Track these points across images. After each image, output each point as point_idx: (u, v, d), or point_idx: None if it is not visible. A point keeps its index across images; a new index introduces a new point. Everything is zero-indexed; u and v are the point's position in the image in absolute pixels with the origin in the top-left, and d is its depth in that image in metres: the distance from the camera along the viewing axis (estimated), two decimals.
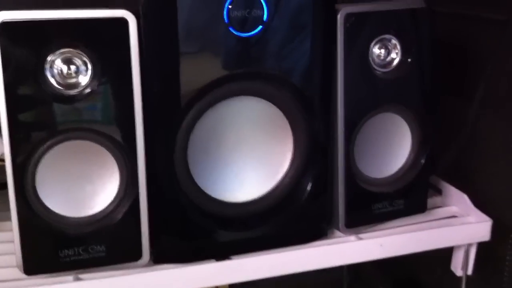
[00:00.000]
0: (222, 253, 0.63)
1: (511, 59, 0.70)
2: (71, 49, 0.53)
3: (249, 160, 0.63)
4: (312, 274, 0.67)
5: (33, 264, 0.57)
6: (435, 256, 0.73)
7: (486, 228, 0.70)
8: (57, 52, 0.53)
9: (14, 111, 0.53)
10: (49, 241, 0.57)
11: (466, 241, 0.71)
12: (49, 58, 0.53)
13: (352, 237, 0.67)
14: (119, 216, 0.58)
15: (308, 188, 0.65)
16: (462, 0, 0.78)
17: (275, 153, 0.64)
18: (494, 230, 0.70)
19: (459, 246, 0.72)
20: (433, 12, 0.66)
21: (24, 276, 0.57)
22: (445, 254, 0.74)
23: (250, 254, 0.63)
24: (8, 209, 0.55)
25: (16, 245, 0.56)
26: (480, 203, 0.72)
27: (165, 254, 0.61)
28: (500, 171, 0.73)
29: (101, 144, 0.56)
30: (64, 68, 0.53)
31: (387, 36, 0.64)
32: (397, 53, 0.65)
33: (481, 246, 0.71)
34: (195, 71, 0.57)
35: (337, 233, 0.68)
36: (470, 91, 0.75)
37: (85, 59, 0.54)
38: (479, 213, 0.71)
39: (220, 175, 0.63)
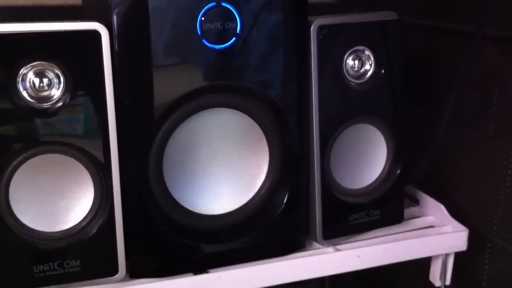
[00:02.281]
0: (199, 266, 0.62)
1: (480, 71, 0.71)
2: (43, 62, 0.53)
3: (225, 173, 0.63)
4: (294, 286, 0.67)
5: (7, 280, 0.56)
6: (413, 268, 0.73)
7: (463, 238, 0.70)
8: (29, 65, 0.53)
9: None
10: (23, 257, 0.56)
11: (443, 251, 0.71)
12: (21, 71, 0.53)
13: (330, 249, 0.67)
14: (94, 230, 0.58)
15: (285, 200, 0.65)
16: (431, 12, 0.79)
17: (251, 165, 0.64)
18: (471, 240, 0.71)
19: (436, 256, 0.73)
20: (404, 24, 0.67)
21: None
22: (423, 265, 0.74)
23: (228, 267, 0.63)
24: None
25: None
26: (457, 213, 0.73)
27: (141, 269, 0.61)
28: (474, 181, 0.73)
29: (75, 158, 0.56)
30: (37, 81, 0.53)
31: (360, 47, 0.65)
32: (370, 64, 0.66)
33: (459, 256, 0.72)
34: (168, 84, 0.57)
35: (315, 244, 0.68)
36: (441, 103, 0.76)
37: (57, 71, 0.54)
38: (455, 223, 0.72)
39: (196, 188, 0.63)
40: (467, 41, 0.71)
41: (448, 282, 0.73)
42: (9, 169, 0.54)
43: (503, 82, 0.68)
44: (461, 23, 0.73)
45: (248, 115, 0.61)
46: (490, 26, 0.68)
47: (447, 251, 0.71)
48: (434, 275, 0.74)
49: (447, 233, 0.71)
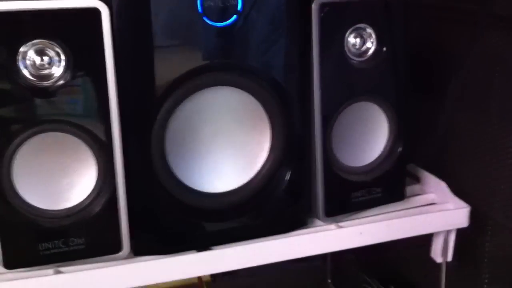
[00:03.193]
0: (202, 244, 0.63)
1: (484, 52, 0.70)
2: (43, 40, 0.53)
3: (228, 151, 0.64)
4: (295, 264, 0.67)
5: (13, 258, 0.57)
6: (414, 245, 0.73)
7: (464, 215, 0.71)
8: (30, 43, 0.53)
9: None
10: (28, 235, 0.57)
11: (445, 227, 0.71)
12: (21, 49, 0.53)
13: (332, 226, 0.67)
14: (98, 208, 0.58)
15: (287, 177, 0.65)
16: None
17: (253, 143, 0.64)
18: (473, 217, 0.71)
19: (438, 233, 0.73)
20: (408, 3, 0.67)
21: (4, 270, 0.57)
22: (425, 242, 0.75)
23: (231, 244, 0.63)
24: None
25: None
26: (458, 191, 0.73)
27: (145, 246, 0.61)
28: (476, 159, 0.73)
29: (77, 136, 0.56)
30: (37, 59, 0.53)
31: (362, 25, 0.65)
32: (372, 42, 0.65)
33: (460, 233, 0.72)
34: (169, 62, 0.57)
35: (317, 222, 0.68)
36: (447, 85, 0.76)
37: (58, 50, 0.54)
38: (457, 200, 0.72)
39: (198, 166, 0.63)
40: (471, 22, 0.71)
41: (449, 258, 0.73)
42: (11, 147, 0.54)
43: (506, 63, 0.67)
44: (464, 2, 0.73)
45: (250, 94, 0.61)
46: (496, 7, 0.68)
47: (449, 228, 0.71)
48: (436, 252, 0.74)
49: (449, 210, 0.71)
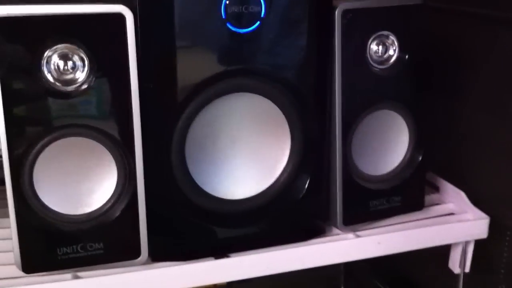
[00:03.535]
0: (220, 251, 0.62)
1: (505, 60, 0.70)
2: (68, 45, 0.53)
3: (247, 157, 0.63)
4: (309, 271, 0.67)
5: (31, 262, 0.56)
6: (431, 254, 0.73)
7: (483, 226, 0.70)
8: (54, 48, 0.53)
9: (11, 107, 0.53)
10: (47, 239, 0.57)
11: (463, 238, 0.71)
12: (45, 54, 0.53)
13: (350, 235, 0.67)
14: (117, 213, 0.58)
15: (306, 185, 0.65)
16: None
17: (272, 150, 0.64)
18: (490, 227, 0.70)
19: (456, 244, 0.72)
20: (431, 9, 0.66)
21: (22, 274, 0.57)
22: (441, 251, 0.74)
23: (248, 252, 0.63)
24: (6, 205, 0.55)
25: (14, 243, 0.56)
26: (477, 201, 0.72)
27: (163, 252, 0.61)
28: (495, 169, 0.73)
29: (99, 141, 0.56)
30: (61, 64, 0.53)
31: (384, 32, 0.64)
32: (394, 50, 0.65)
33: (478, 243, 0.71)
34: (192, 67, 0.57)
35: (335, 230, 0.68)
36: (465, 91, 0.76)
37: (82, 54, 0.54)
38: (476, 210, 0.72)
39: (217, 172, 0.62)
40: (491, 26, 0.71)
41: (467, 269, 0.73)
42: (33, 152, 0.54)
43: None
44: (485, 7, 0.72)
45: (271, 100, 0.61)
46: None
47: (467, 239, 0.71)
48: (454, 262, 0.73)
49: (468, 220, 0.71)
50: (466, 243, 0.71)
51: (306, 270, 0.66)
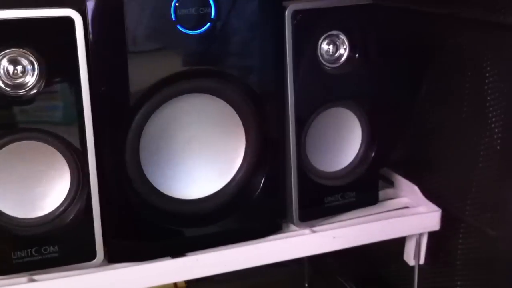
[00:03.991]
0: (178, 250, 0.63)
1: (456, 57, 0.72)
2: (17, 49, 0.53)
3: (202, 157, 0.64)
4: (273, 269, 0.68)
5: None
6: (390, 248, 0.74)
7: (436, 218, 0.72)
8: (3, 52, 0.53)
9: None
10: (1, 243, 0.56)
11: (417, 231, 0.73)
12: None
13: (307, 230, 0.68)
14: (71, 216, 0.58)
15: (262, 183, 0.65)
16: None
17: (228, 149, 0.65)
18: (445, 220, 0.72)
19: (410, 236, 0.74)
20: (381, 8, 0.68)
21: None
22: (399, 245, 0.76)
23: (206, 250, 0.63)
24: None
25: None
26: (430, 194, 0.74)
27: (119, 253, 0.61)
28: (447, 163, 0.75)
29: (51, 144, 0.56)
30: (11, 68, 0.53)
31: (335, 32, 0.65)
32: (345, 49, 0.66)
33: (433, 236, 0.73)
34: (143, 70, 0.57)
35: (292, 226, 0.69)
36: (418, 86, 0.77)
37: (31, 58, 0.54)
38: (429, 203, 0.73)
39: (173, 173, 0.63)
40: (444, 24, 0.72)
41: (422, 261, 0.75)
42: None
43: (477, 66, 0.69)
44: (438, 6, 0.74)
45: (224, 101, 0.62)
46: (467, 8, 0.69)
47: (421, 231, 0.73)
48: (409, 255, 0.75)
49: (421, 213, 0.73)
50: (420, 235, 0.73)
51: (269, 268, 0.67)
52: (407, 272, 0.78)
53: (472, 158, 0.70)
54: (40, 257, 0.57)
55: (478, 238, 0.71)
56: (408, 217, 0.72)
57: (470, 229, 0.72)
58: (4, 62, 0.53)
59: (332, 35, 0.65)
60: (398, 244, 0.74)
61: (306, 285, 1.01)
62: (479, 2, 0.66)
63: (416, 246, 0.74)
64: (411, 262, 0.75)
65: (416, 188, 0.75)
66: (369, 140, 0.71)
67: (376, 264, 0.91)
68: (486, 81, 0.67)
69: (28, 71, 0.54)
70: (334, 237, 0.67)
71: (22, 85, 0.54)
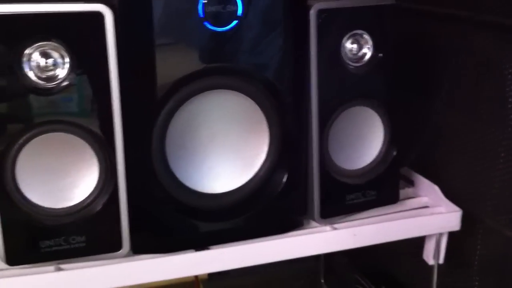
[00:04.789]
0: (200, 244, 0.64)
1: (474, 56, 0.72)
2: (48, 42, 0.54)
3: (226, 153, 0.65)
4: (290, 266, 0.69)
5: (15, 254, 0.58)
6: (407, 247, 0.75)
7: (456, 218, 0.72)
8: (34, 46, 0.54)
9: None
10: (30, 232, 0.58)
11: (437, 230, 0.73)
12: (26, 52, 0.54)
13: (327, 227, 0.69)
14: (98, 207, 0.59)
15: (284, 180, 0.66)
16: None
17: (251, 146, 0.66)
18: (464, 220, 0.72)
19: (430, 236, 0.74)
20: (403, 9, 0.68)
21: (6, 266, 0.58)
22: (417, 244, 0.76)
23: (228, 244, 0.64)
24: None
25: None
26: (450, 195, 0.75)
27: (144, 245, 0.62)
28: (468, 164, 0.75)
29: (80, 136, 0.57)
30: (42, 61, 0.55)
31: (359, 31, 0.66)
32: (368, 48, 0.67)
33: (452, 236, 0.74)
34: (170, 65, 0.58)
35: (313, 223, 0.69)
36: (438, 89, 0.78)
37: (62, 52, 0.55)
38: (449, 203, 0.74)
39: (197, 167, 0.64)
40: (462, 27, 0.73)
41: (441, 261, 0.75)
42: (16, 147, 0.56)
43: (495, 67, 0.69)
44: (456, 8, 0.74)
45: (249, 97, 0.63)
46: (485, 12, 0.69)
47: (441, 231, 0.73)
48: (428, 254, 0.75)
49: (441, 213, 0.73)
50: (440, 235, 0.73)
51: (286, 263, 0.68)
52: (423, 270, 0.78)
53: (492, 159, 0.71)
54: (67, 247, 0.59)
55: (496, 239, 0.71)
56: (428, 217, 0.72)
57: (489, 230, 0.72)
58: (36, 55, 0.55)
59: (356, 34, 0.66)
60: (415, 242, 0.74)
61: (322, 280, 1.02)
62: (499, 4, 0.67)
63: (435, 245, 0.74)
64: (430, 261, 0.75)
65: (436, 187, 0.75)
66: (390, 139, 0.71)
67: (392, 261, 0.92)
68: (507, 82, 0.68)
69: (58, 64, 0.55)
70: (354, 235, 0.68)
71: (52, 78, 0.56)
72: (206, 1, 0.57)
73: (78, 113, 0.57)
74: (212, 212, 0.65)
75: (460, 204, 0.73)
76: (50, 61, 0.55)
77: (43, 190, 0.58)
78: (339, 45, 0.65)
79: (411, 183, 0.80)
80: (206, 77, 0.60)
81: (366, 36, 0.66)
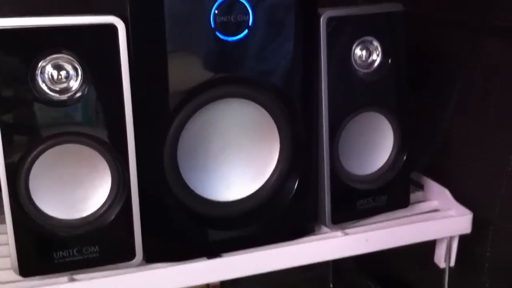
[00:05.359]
0: (213, 251, 0.64)
1: (483, 62, 0.72)
2: (61, 55, 0.55)
3: (238, 161, 0.65)
4: (299, 271, 0.69)
5: (28, 266, 0.58)
6: (417, 251, 0.75)
7: (467, 221, 0.72)
8: (48, 58, 0.54)
9: (7, 116, 0.54)
10: (43, 243, 0.58)
11: (448, 234, 0.73)
12: (39, 64, 0.54)
13: (339, 233, 0.69)
14: (111, 217, 0.59)
15: (295, 186, 0.66)
16: (437, 3, 0.81)
17: (262, 153, 0.66)
18: (474, 223, 0.73)
19: (441, 239, 0.74)
20: (412, 16, 0.68)
21: (19, 278, 0.58)
22: (427, 248, 0.76)
23: (240, 252, 0.65)
24: (2, 212, 0.56)
25: (11, 248, 0.57)
26: (460, 197, 0.75)
27: (157, 254, 0.63)
28: (477, 168, 0.75)
29: (93, 147, 0.57)
30: (55, 74, 0.55)
31: (368, 38, 0.66)
32: (378, 55, 0.67)
33: (463, 239, 0.74)
34: (183, 75, 0.58)
35: (324, 229, 0.70)
36: (447, 93, 0.78)
37: (75, 64, 0.55)
38: (460, 206, 0.74)
39: (209, 176, 0.64)
40: (472, 33, 0.73)
41: (452, 264, 0.75)
42: (29, 159, 0.56)
43: (504, 72, 0.69)
44: (466, 14, 0.75)
45: (260, 105, 0.63)
46: (494, 18, 0.69)
47: (452, 234, 0.73)
48: (439, 257, 0.76)
49: (452, 216, 0.73)
50: (451, 238, 0.74)
51: (295, 271, 0.68)
52: (433, 274, 0.78)
53: (501, 162, 0.71)
54: (81, 257, 0.59)
55: (507, 242, 0.72)
56: (439, 220, 0.72)
57: (499, 233, 0.73)
58: (49, 67, 0.55)
59: (366, 41, 0.66)
60: (424, 246, 0.74)
61: (331, 285, 1.02)
62: (508, 10, 0.67)
63: (446, 248, 0.74)
64: (441, 264, 0.75)
65: (447, 191, 0.75)
66: (400, 144, 0.71)
67: (402, 265, 0.92)
68: None
69: (71, 76, 0.56)
70: (366, 240, 0.68)
71: (66, 90, 0.56)
72: (217, 11, 0.57)
73: (91, 124, 0.57)
74: (223, 220, 0.65)
75: (470, 206, 0.73)
76: (63, 73, 0.55)
77: (57, 201, 0.58)
78: (349, 52, 0.65)
79: (421, 187, 0.80)
80: (218, 87, 0.60)
81: (376, 43, 0.67)
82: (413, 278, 0.90)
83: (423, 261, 0.79)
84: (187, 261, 0.63)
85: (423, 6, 0.81)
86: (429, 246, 0.76)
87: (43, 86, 0.55)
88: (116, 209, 0.59)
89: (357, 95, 0.67)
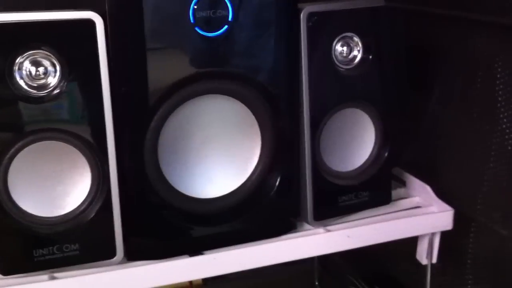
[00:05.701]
0: (194, 249, 0.64)
1: (467, 58, 0.73)
2: (39, 51, 0.54)
3: (219, 157, 0.65)
4: (284, 267, 0.69)
5: (8, 264, 0.58)
6: (401, 247, 0.75)
7: (448, 217, 0.73)
8: (25, 54, 0.54)
9: None
10: (23, 241, 0.58)
11: (429, 230, 0.73)
12: (17, 60, 0.54)
13: (321, 229, 0.69)
14: (92, 215, 0.59)
15: (277, 183, 0.66)
16: None
17: (244, 149, 0.66)
18: (456, 219, 0.73)
19: (423, 236, 0.75)
20: (394, 10, 0.69)
21: (0, 276, 0.58)
22: (411, 244, 0.77)
23: (222, 249, 0.64)
24: None
25: None
26: (442, 194, 0.75)
27: (138, 251, 0.62)
28: (459, 163, 0.76)
29: (72, 144, 0.57)
30: (33, 70, 0.54)
31: (349, 34, 0.66)
32: (359, 50, 0.67)
33: (445, 235, 0.74)
34: (162, 71, 0.58)
35: (306, 225, 0.70)
36: (430, 89, 0.78)
37: (53, 60, 0.55)
38: (441, 203, 0.74)
39: (190, 172, 0.64)
40: (454, 26, 0.73)
41: (434, 260, 0.75)
42: (7, 156, 0.55)
43: (488, 67, 0.69)
44: (448, 8, 0.75)
45: (241, 101, 0.63)
46: (477, 11, 0.70)
47: (433, 230, 0.73)
48: (421, 254, 0.76)
49: (433, 213, 0.73)
50: (433, 234, 0.74)
51: (281, 268, 0.68)
52: (417, 270, 0.78)
53: (483, 158, 0.71)
54: (61, 255, 0.58)
55: (489, 237, 0.72)
56: (421, 217, 0.72)
57: (481, 229, 0.73)
58: (27, 63, 0.54)
59: (346, 36, 0.66)
60: (408, 242, 0.75)
61: (316, 283, 1.02)
62: (490, 4, 0.67)
63: (428, 245, 0.74)
64: (423, 261, 0.76)
65: (428, 187, 0.76)
66: (382, 140, 0.71)
67: (386, 262, 0.92)
68: (497, 82, 0.68)
69: (50, 72, 0.55)
70: (348, 236, 0.68)
71: (44, 86, 0.55)
72: (196, 7, 0.57)
73: (69, 120, 0.56)
74: (205, 216, 0.65)
75: (452, 203, 0.74)
76: (41, 69, 0.55)
77: (36, 199, 0.58)
78: (329, 47, 0.65)
79: (402, 183, 0.80)
80: (198, 82, 0.60)
81: (356, 39, 0.67)
82: (397, 274, 0.90)
83: (407, 257, 0.79)
84: (168, 259, 0.62)
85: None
86: (413, 242, 0.76)
87: (21, 83, 0.55)
88: (96, 206, 0.59)
89: (338, 91, 0.67)
